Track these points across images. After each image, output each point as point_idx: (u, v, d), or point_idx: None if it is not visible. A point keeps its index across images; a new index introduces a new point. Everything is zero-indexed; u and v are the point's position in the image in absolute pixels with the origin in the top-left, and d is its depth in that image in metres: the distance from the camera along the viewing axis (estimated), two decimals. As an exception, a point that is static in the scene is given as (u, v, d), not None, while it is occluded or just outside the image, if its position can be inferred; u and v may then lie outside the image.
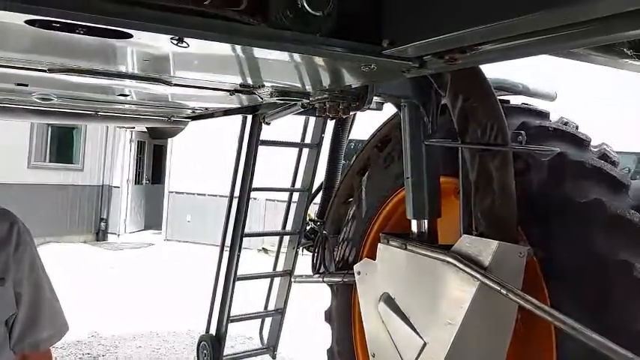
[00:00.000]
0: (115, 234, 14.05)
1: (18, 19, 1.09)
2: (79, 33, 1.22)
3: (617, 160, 2.18)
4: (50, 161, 13.11)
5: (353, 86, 1.93)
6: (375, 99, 2.24)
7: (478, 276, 1.86)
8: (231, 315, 3.46)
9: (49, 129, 12.88)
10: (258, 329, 3.96)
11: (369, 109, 2.10)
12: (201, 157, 12.69)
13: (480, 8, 1.10)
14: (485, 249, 1.90)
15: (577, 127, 2.31)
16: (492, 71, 1.95)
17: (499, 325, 1.99)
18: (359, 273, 2.65)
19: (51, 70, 1.83)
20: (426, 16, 1.20)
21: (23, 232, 1.39)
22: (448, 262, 1.98)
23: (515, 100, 2.49)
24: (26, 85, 2.35)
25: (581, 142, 2.14)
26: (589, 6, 0.96)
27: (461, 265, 1.92)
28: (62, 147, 13.45)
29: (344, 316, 3.03)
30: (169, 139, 12.46)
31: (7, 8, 1.01)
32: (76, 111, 3.60)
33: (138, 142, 14.69)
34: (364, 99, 1.93)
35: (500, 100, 2.03)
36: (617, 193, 1.95)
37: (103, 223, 14.02)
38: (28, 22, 1.11)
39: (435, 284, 2.08)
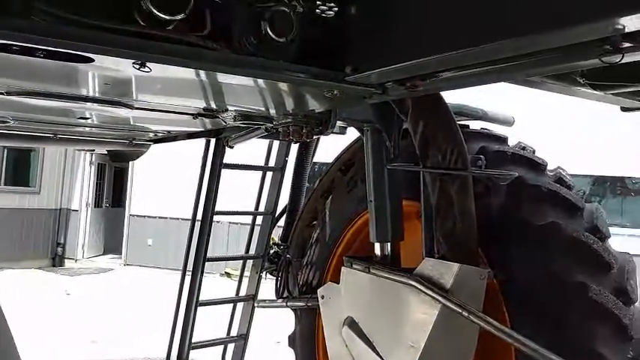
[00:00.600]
0: (73, 259, 13.65)
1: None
2: (38, 57, 1.20)
3: (571, 183, 2.26)
4: (5, 184, 12.71)
5: (316, 111, 1.95)
6: (339, 123, 2.27)
7: (440, 299, 1.88)
8: (192, 341, 3.39)
9: (5, 151, 12.51)
10: (220, 356, 3.89)
11: (332, 132, 2.12)
12: (163, 180, 12.51)
13: (439, 37, 1.13)
14: (447, 272, 1.93)
15: (534, 152, 2.38)
16: (453, 96, 2.01)
17: (461, 347, 2.00)
18: (322, 297, 2.64)
19: (8, 93, 1.79)
20: (388, 44, 1.23)
21: None
22: (411, 284, 1.99)
23: (475, 125, 2.55)
24: (-19, 108, 2.29)
25: (538, 166, 2.20)
26: (544, 37, 1.00)
27: (423, 288, 1.94)
28: (18, 169, 13.06)
29: (308, 341, 3.01)
30: (130, 162, 12.26)
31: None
32: (34, 133, 3.52)
33: (98, 164, 14.40)
34: (327, 123, 1.95)
35: (460, 125, 2.08)
36: (572, 216, 2.02)
37: (59, 248, 13.60)
38: (-16, 45, 1.09)
39: (398, 307, 2.09)
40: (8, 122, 2.75)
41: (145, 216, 13.43)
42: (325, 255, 2.88)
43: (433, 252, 2.05)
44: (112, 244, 14.57)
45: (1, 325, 1.39)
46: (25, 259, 12.41)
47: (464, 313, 1.82)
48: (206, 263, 3.43)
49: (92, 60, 1.21)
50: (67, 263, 13.47)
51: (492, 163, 2.12)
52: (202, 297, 3.44)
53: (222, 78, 1.49)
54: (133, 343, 6.71)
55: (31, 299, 8.08)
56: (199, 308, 3.38)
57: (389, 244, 2.30)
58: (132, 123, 2.89)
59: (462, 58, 1.16)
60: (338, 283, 2.52)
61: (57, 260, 13.49)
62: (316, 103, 1.80)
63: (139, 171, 13.23)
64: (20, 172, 13.12)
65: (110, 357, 6.26)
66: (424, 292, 1.94)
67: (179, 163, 11.10)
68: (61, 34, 1.09)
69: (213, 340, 3.74)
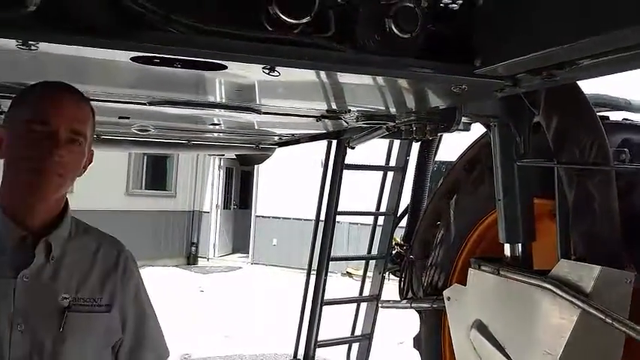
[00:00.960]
0: (205, 258, 14.53)
1: (125, 56, 1.17)
2: (176, 67, 1.29)
3: None
4: (146, 188, 13.85)
5: (440, 107, 1.90)
6: (463, 119, 2.20)
7: (579, 303, 1.75)
8: (318, 339, 3.46)
9: (145, 158, 13.63)
10: (345, 354, 3.93)
11: (456, 130, 2.06)
12: (286, 182, 12.92)
13: (578, 22, 1.05)
14: (587, 274, 1.79)
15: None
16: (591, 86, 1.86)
17: (603, 357, 1.86)
18: (449, 299, 2.57)
19: (150, 103, 1.94)
20: (520, 32, 1.17)
21: (129, 260, 1.46)
22: (546, 288, 1.88)
23: (616, 116, 2.35)
24: (128, 118, 2.50)
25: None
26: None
27: (560, 292, 1.82)
28: (156, 175, 14.17)
29: (433, 343, 2.95)
30: (256, 165, 12.81)
31: (116, 47, 1.08)
32: (170, 140, 3.80)
33: (226, 168, 15.21)
34: (452, 120, 1.90)
35: (599, 116, 1.92)
36: None
37: (193, 247, 14.55)
38: (133, 58, 1.19)
39: (531, 311, 1.98)
40: (149, 130, 2.98)
41: (270, 217, 13.95)
42: (451, 256, 2.80)
43: (569, 253, 1.91)
44: (239, 243, 15.32)
45: (151, 314, 1.50)
46: (163, 257, 13.41)
47: (607, 319, 1.68)
48: (330, 263, 3.49)
49: (225, 67, 1.27)
50: (200, 261, 14.37)
51: (637, 156, 1.94)
52: (326, 296, 3.50)
53: (346, 78, 1.50)
54: (262, 339, 7.00)
55: (170, 295, 8.68)
56: (324, 307, 3.43)
57: (520, 244, 2.19)
58: (258, 127, 3.02)
59: (604, 43, 1.07)
60: (465, 285, 2.44)
61: (191, 259, 14.44)
62: (441, 99, 1.75)
63: (263, 174, 13.78)
64: (158, 178, 14.22)
65: (242, 352, 6.58)
66: (561, 296, 1.81)
67: (301, 165, 11.40)
68: (197, 44, 1.15)
69: (339, 339, 3.79)
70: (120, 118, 2.48)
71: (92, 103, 1.38)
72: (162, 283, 9.66)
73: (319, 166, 3.89)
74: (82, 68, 1.45)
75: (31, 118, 1.24)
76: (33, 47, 1.10)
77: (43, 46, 1.12)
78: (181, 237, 14.39)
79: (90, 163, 1.38)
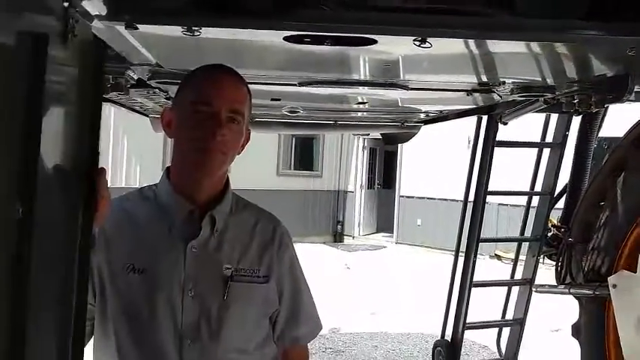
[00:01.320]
0: (350, 236, 14.83)
1: (278, 36, 1.20)
2: (327, 44, 1.30)
3: None
4: (295, 169, 14.45)
5: (608, 75, 1.72)
6: (636, 88, 1.97)
7: None
8: (467, 322, 3.37)
9: (293, 140, 14.19)
10: (494, 338, 3.79)
11: (628, 100, 1.85)
12: (431, 162, 12.69)
13: None
14: None
15: None
16: None
17: None
18: (615, 286, 2.35)
19: (300, 84, 1.99)
20: None
21: (285, 235, 1.53)
22: None
23: None
24: (279, 100, 2.59)
25: None
26: None
27: None
28: (304, 156, 14.71)
29: (595, 333, 2.72)
30: (399, 145, 12.72)
31: (272, 27, 1.11)
32: (318, 121, 3.88)
33: (370, 148, 15.33)
34: (624, 89, 1.70)
35: None
36: None
37: (339, 226, 14.93)
38: (285, 38, 1.22)
39: None
40: (298, 112, 3.07)
41: (414, 197, 13.83)
42: (616, 239, 2.55)
43: None
44: (383, 223, 15.40)
45: (305, 288, 1.56)
46: (311, 234, 13.92)
47: None
48: (479, 245, 3.36)
49: (375, 42, 1.26)
50: (346, 240, 14.70)
51: None
52: (474, 278, 3.39)
53: (501, 47, 1.41)
54: (408, 318, 7.00)
55: (318, 271, 8.98)
56: (472, 289, 3.32)
57: None
58: (403, 105, 2.97)
59: None
60: (633, 272, 2.21)
61: (337, 236, 14.83)
62: (610, 65, 1.58)
63: (407, 153, 13.65)
64: (306, 158, 14.75)
65: (388, 329, 6.64)
66: None
67: (447, 143, 11.10)
68: (347, 19, 1.15)
69: (488, 322, 3.66)
70: (272, 100, 2.58)
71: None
72: (310, 259, 10.00)
73: (467, 143, 3.75)
74: (239, 52, 1.53)
75: (195, 100, 1.33)
76: (196, 32, 1.17)
77: (205, 31, 1.19)
78: (327, 215, 14.82)
79: (247, 142, 1.45)
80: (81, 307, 1.10)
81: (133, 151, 10.97)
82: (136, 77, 1.79)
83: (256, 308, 1.43)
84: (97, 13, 1.04)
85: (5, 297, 0.82)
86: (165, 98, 2.27)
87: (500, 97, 2.21)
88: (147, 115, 3.11)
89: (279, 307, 1.48)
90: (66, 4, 0.91)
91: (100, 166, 1.10)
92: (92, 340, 1.40)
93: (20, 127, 0.81)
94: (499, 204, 11.26)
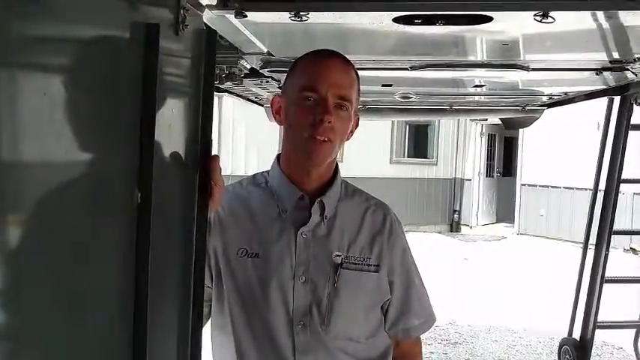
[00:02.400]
0: (468, 226, 14.38)
1: (387, 18, 1.16)
2: (439, 24, 1.24)
3: None
4: (408, 156, 14.26)
5: None
6: None
7: None
8: (598, 320, 3.12)
9: (407, 127, 14.00)
10: (631, 340, 3.48)
11: None
12: (555, 148, 11.94)
13: None
14: None
15: None
16: None
17: None
18: None
19: (412, 68, 1.92)
20: None
21: (395, 223, 1.49)
22: None
23: None
24: (390, 86, 2.54)
25: None
26: None
27: None
28: (418, 143, 14.47)
29: None
30: (520, 131, 12.09)
31: (380, 9, 1.08)
32: (432, 107, 3.77)
33: (488, 134, 14.73)
34: None
35: None
36: None
37: (456, 215, 14.53)
38: (395, 19, 1.18)
39: None
40: (411, 97, 3.00)
41: (536, 185, 13.12)
42: None
43: None
44: (503, 212, 14.78)
45: (417, 278, 1.51)
46: (425, 223, 13.70)
47: None
48: (611, 237, 3.09)
49: (491, 19, 1.18)
50: (463, 229, 14.28)
51: None
52: (606, 273, 3.12)
53: (636, 18, 1.26)
54: (530, 312, 6.67)
55: (434, 261, 8.83)
56: (605, 285, 3.07)
57: None
58: (524, 87, 2.79)
59: None
60: None
61: (453, 226, 14.46)
62: None
63: (529, 139, 12.95)
64: (420, 146, 14.50)
65: (509, 324, 6.36)
66: None
67: (573, 127, 10.40)
68: (460, -4, 1.08)
69: (623, 322, 3.37)
70: (383, 86, 2.54)
71: (358, 72, 1.42)
72: (426, 249, 9.88)
73: (596, 127, 3.46)
74: (347, 37, 1.50)
75: (301, 87, 1.33)
76: (304, 18, 1.17)
77: (313, 17, 1.18)
78: (444, 204, 14.49)
79: (356, 127, 1.43)
80: (199, 289, 1.15)
81: (251, 140, 11.40)
82: (248, 67, 1.83)
83: (367, 297, 1.41)
84: (208, 3, 1.06)
85: (126, 281, 0.87)
86: (278, 87, 2.30)
87: (636, 75, 2.00)
88: (261, 105, 3.20)
89: (390, 297, 1.45)
90: (177, -5, 0.93)
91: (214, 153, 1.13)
92: (210, 320, 1.46)
93: (136, 116, 0.85)
94: (635, 193, 10.37)
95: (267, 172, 1.47)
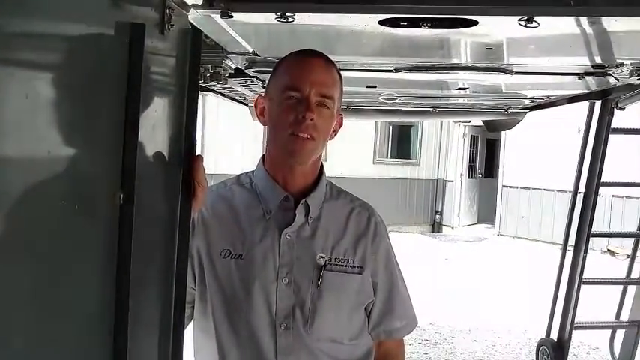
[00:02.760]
0: (449, 226, 14.47)
1: (373, 20, 1.16)
2: (425, 27, 1.24)
3: None
4: (391, 157, 14.31)
5: None
6: None
7: None
8: (575, 321, 3.16)
9: (390, 127, 14.05)
10: (607, 340, 3.53)
11: None
12: (536, 150, 12.07)
13: None
14: None
15: None
16: None
17: None
18: None
19: (397, 70, 1.93)
20: None
21: (380, 224, 1.49)
22: None
23: None
24: (375, 87, 2.55)
25: None
26: None
27: None
28: (402, 144, 14.52)
29: None
30: (502, 133, 12.20)
31: (365, 11, 1.08)
32: (416, 108, 3.79)
33: (471, 136, 14.83)
34: None
35: None
36: None
37: (437, 216, 14.61)
38: (381, 22, 1.18)
39: None
40: (395, 99, 3.01)
41: (517, 187, 13.25)
42: None
43: None
44: (485, 213, 14.89)
45: (400, 280, 1.52)
46: (407, 224, 13.76)
47: None
48: (589, 239, 3.13)
49: (476, 23, 1.18)
50: (445, 230, 14.37)
51: None
52: (584, 275, 3.17)
53: (619, 24, 1.28)
54: (510, 313, 6.73)
55: (415, 261, 8.87)
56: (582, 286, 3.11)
57: None
58: (507, 90, 2.81)
59: None
60: None
61: (435, 227, 14.54)
62: None
63: (510, 141, 13.08)
64: (403, 147, 14.56)
65: (488, 324, 6.41)
66: None
67: (553, 130, 10.53)
68: (446, 0, 1.09)
69: (600, 322, 3.42)
70: (367, 87, 2.54)
71: (342, 73, 1.42)
72: (408, 249, 9.92)
73: (577, 130, 3.51)
74: (333, 38, 1.51)
75: (284, 86, 1.32)
76: (290, 19, 1.16)
77: (299, 18, 1.17)
78: (426, 205, 14.56)
79: (340, 127, 1.43)
80: (181, 290, 1.14)
81: (235, 139, 11.34)
82: (233, 66, 1.83)
83: (350, 298, 1.41)
84: (193, 3, 1.05)
85: (108, 281, 0.86)
86: (263, 87, 2.30)
87: (617, 80, 2.03)
88: (246, 104, 3.19)
89: (374, 298, 1.45)
90: (163, -5, 0.92)
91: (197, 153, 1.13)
92: (192, 322, 1.45)
93: (120, 115, 0.84)
94: (613, 196, 10.53)
95: (252, 172, 1.47)
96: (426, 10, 1.12)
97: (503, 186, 13.74)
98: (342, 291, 1.39)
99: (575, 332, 3.21)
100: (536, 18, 1.13)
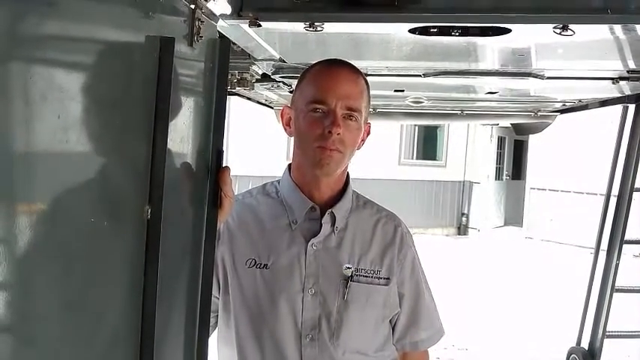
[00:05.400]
0: (476, 229, 14.30)
1: (403, 29, 1.14)
2: (454, 35, 1.22)
3: None
4: (417, 158, 14.20)
5: None
6: None
7: None
8: (607, 330, 3.08)
9: (416, 129, 13.95)
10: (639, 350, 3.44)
11: None
12: (565, 152, 11.86)
13: None
14: None
15: None
16: None
17: None
18: None
19: (425, 75, 1.90)
20: None
21: (406, 235, 1.47)
22: None
23: None
24: (402, 91, 2.52)
25: None
26: None
27: None
28: (427, 145, 14.40)
29: None
30: (530, 134, 12.01)
31: (395, 20, 1.06)
32: (443, 111, 3.74)
33: (498, 137, 14.64)
34: None
35: None
36: None
37: (464, 218, 14.45)
38: (410, 30, 1.16)
39: None
40: (422, 102, 2.97)
41: (546, 189, 13.03)
42: None
43: None
44: (512, 216, 14.69)
45: (427, 292, 1.50)
46: (433, 226, 13.64)
47: None
48: (623, 245, 3.05)
49: (509, 31, 1.15)
50: (471, 232, 14.20)
51: None
52: (618, 282, 3.09)
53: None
54: (538, 318, 6.62)
55: (441, 264, 8.79)
56: (615, 294, 3.03)
57: None
58: (537, 94, 2.76)
59: None
60: None
61: (461, 229, 14.38)
62: None
63: (538, 143, 12.87)
64: (429, 148, 14.44)
65: (518, 330, 6.31)
66: None
67: (583, 133, 10.33)
68: (478, 9, 1.06)
69: (633, 332, 3.33)
70: (395, 91, 2.52)
71: (370, 78, 1.40)
72: (432, 252, 9.83)
73: (610, 134, 3.42)
74: (362, 45, 1.49)
75: (310, 98, 1.31)
76: (319, 28, 1.15)
77: (327, 26, 1.16)
78: (452, 207, 14.41)
79: (368, 135, 1.41)
80: (206, 300, 1.13)
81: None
82: (260, 72, 1.82)
83: (376, 310, 1.39)
84: (222, 13, 1.05)
85: (136, 293, 0.86)
86: (289, 92, 2.29)
87: (653, 84, 1.97)
88: (272, 107, 3.18)
89: (399, 310, 1.43)
90: (192, 6, 0.92)
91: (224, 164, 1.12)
92: (216, 331, 1.45)
93: (148, 128, 0.84)
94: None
95: (278, 181, 1.46)
96: (458, 18, 1.09)
97: (531, 188, 13.53)
98: (369, 302, 1.38)
99: (607, 341, 3.13)
100: (571, 26, 1.09)
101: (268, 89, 2.31)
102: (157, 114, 0.84)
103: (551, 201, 12.90)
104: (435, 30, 1.21)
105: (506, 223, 14.90)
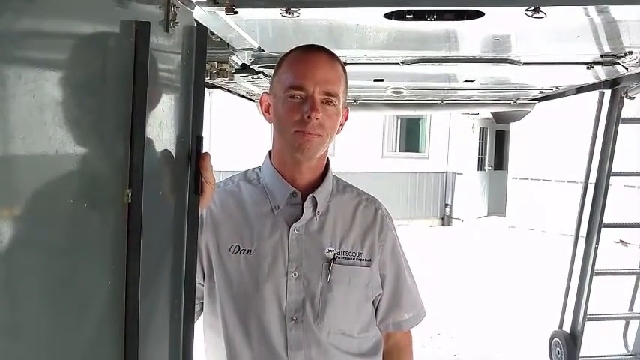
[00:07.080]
0: (460, 219, 14.43)
1: (378, 14, 1.16)
2: (431, 19, 1.23)
3: None
4: (400, 151, 14.27)
5: None
6: None
7: None
8: (588, 313, 3.14)
9: (399, 120, 14.02)
10: (620, 332, 3.51)
11: None
12: (545, 142, 12.00)
13: None
14: None
15: None
16: None
17: None
18: None
19: (404, 63, 1.92)
20: None
21: (386, 217, 1.49)
22: None
23: None
24: (382, 80, 2.54)
25: None
26: None
27: None
28: (410, 138, 14.49)
29: None
30: (510, 124, 12.13)
31: (371, 4, 1.07)
32: (424, 101, 3.77)
33: (480, 128, 14.76)
34: None
35: None
36: None
37: (447, 209, 14.56)
38: (386, 15, 1.17)
39: None
40: (403, 92, 3.00)
41: (527, 179, 13.18)
42: None
43: None
44: (495, 206, 14.84)
45: (408, 273, 1.52)
46: (417, 217, 13.73)
47: None
48: (601, 230, 3.11)
49: (482, 14, 1.17)
50: (455, 223, 14.32)
51: None
52: (596, 266, 3.15)
53: (627, 12, 1.26)
54: (521, 304, 6.71)
55: (425, 255, 8.86)
56: (595, 278, 3.09)
57: None
58: (515, 81, 2.80)
59: None
60: None
61: (445, 220, 14.50)
62: None
63: (519, 133, 13.01)
64: (411, 140, 14.52)
65: (499, 314, 6.40)
66: None
67: (562, 122, 10.46)
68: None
69: (613, 314, 3.40)
70: (375, 80, 2.53)
71: (349, 67, 1.41)
72: (416, 243, 9.90)
73: (586, 121, 3.48)
74: (339, 32, 1.50)
75: (288, 84, 1.32)
76: (295, 14, 1.16)
77: (304, 13, 1.17)
78: (435, 198, 14.52)
79: (346, 120, 1.42)
80: (190, 286, 1.14)
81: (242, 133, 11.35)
82: (239, 62, 1.82)
83: (359, 291, 1.41)
84: (198, 0, 1.05)
85: (118, 279, 0.86)
86: (269, 83, 2.30)
87: (627, 69, 2.01)
88: (253, 100, 3.19)
89: (382, 291, 1.46)
90: (167, -8, 0.92)
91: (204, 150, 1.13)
92: (201, 317, 1.46)
93: (126, 114, 0.84)
94: (625, 186, 10.45)
95: (259, 168, 1.47)
96: (433, 2, 1.11)
97: (513, 178, 13.67)
98: (352, 283, 1.40)
99: (588, 324, 3.19)
100: (542, 8, 1.12)
101: (248, 80, 2.31)
102: (135, 99, 0.84)
103: (533, 190, 13.05)
104: (411, 15, 1.22)
105: (489, 213, 15.05)
